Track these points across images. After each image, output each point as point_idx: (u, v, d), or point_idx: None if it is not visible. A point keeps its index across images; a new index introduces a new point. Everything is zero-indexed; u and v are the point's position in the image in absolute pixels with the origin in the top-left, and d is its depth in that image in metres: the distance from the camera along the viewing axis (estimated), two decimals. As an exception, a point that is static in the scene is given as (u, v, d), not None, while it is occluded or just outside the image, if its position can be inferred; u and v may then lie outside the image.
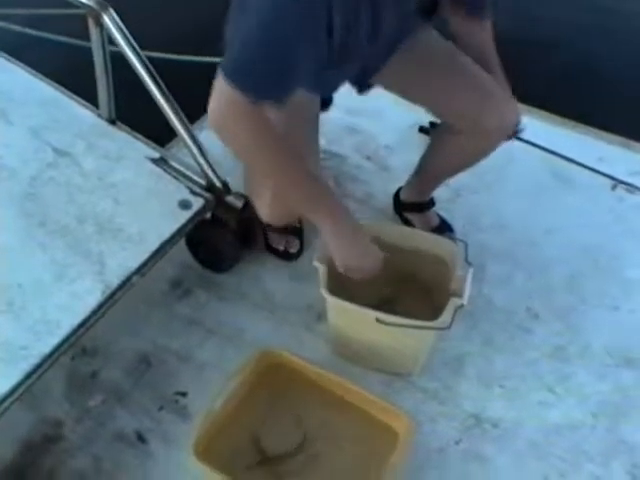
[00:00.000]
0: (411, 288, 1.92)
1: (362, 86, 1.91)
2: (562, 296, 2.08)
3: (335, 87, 1.88)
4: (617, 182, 2.37)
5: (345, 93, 1.83)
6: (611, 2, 3.83)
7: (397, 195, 2.30)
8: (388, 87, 1.91)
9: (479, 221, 2.28)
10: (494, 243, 2.20)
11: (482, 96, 1.77)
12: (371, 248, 1.64)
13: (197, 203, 1.92)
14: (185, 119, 1.92)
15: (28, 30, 3.22)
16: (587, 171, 2.40)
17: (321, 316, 1.95)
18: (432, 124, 2.51)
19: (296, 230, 2.20)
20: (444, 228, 2.22)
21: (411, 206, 2.25)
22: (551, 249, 2.20)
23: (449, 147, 1.97)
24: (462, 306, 1.65)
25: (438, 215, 2.25)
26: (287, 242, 2.18)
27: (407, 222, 2.26)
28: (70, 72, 2.46)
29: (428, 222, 2.22)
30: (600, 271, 2.14)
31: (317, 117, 1.82)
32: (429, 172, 2.14)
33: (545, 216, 2.30)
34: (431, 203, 2.23)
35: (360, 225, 1.63)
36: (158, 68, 1.93)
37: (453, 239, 1.97)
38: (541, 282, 2.11)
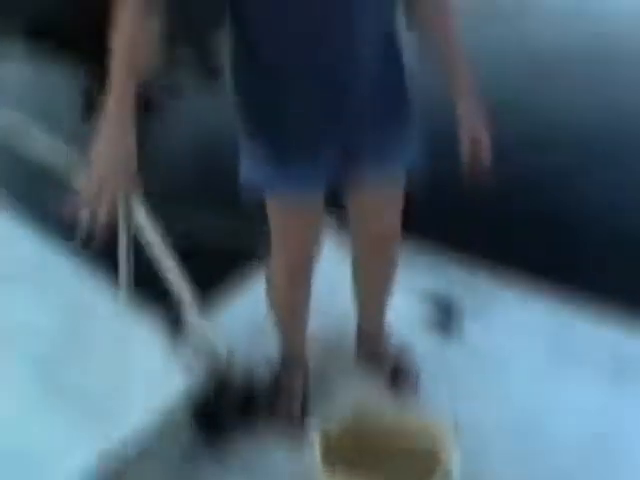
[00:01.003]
0: (403, 462, 1.95)
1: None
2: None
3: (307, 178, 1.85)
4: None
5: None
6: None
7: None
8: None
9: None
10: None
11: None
12: (129, 164, 1.46)
13: (200, 375, 1.98)
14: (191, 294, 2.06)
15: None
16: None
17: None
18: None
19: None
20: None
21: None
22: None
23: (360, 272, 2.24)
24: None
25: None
26: (291, 409, 2.24)
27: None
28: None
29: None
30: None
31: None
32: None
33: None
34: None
35: (132, 131, 1.46)
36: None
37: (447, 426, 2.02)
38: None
